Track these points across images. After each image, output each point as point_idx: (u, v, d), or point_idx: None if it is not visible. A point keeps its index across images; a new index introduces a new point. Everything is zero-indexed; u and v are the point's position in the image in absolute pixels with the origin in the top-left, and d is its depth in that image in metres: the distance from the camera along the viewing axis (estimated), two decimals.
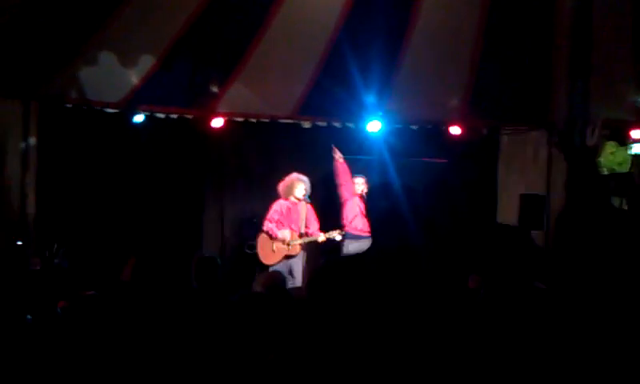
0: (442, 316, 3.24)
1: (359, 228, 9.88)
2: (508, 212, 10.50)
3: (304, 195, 9.86)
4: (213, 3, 8.96)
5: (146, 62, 9.48)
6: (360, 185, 10.24)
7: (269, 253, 9.73)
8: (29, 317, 6.54)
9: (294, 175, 9.95)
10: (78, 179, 9.85)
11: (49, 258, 8.49)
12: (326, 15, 9.49)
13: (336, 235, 9.84)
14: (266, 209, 10.10)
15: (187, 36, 9.26)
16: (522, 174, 11.01)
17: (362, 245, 9.54)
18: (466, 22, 9.56)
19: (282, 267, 9.60)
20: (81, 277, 7.76)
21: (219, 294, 5.71)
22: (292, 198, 9.88)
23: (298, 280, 9.52)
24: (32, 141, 9.72)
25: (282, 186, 9.89)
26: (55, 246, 8.65)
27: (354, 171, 10.42)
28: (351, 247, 9.79)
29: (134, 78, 9.68)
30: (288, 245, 9.70)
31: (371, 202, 4.72)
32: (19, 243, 8.94)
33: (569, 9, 6.99)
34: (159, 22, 9.09)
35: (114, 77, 9.51)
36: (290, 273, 9.56)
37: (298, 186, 9.83)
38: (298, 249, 9.77)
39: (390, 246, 3.41)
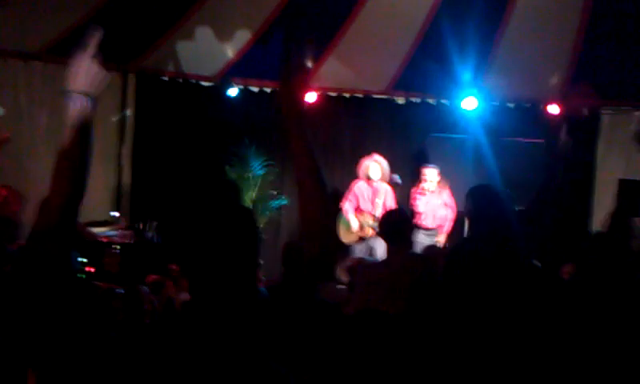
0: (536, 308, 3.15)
1: (430, 225, 9.66)
2: (605, 196, 10.15)
3: (383, 175, 9.61)
4: None
5: (242, 37, 9.49)
6: (431, 176, 9.68)
7: (345, 231, 9.63)
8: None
9: (372, 156, 9.68)
10: (172, 153, 9.94)
11: (141, 232, 8.59)
12: None
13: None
14: None
15: (283, 11, 9.22)
16: (622, 156, 10.62)
17: (434, 239, 9.55)
18: None
19: (362, 248, 9.48)
20: (171, 252, 7.82)
21: (304, 283, 5.60)
22: (369, 179, 9.63)
23: None
24: (129, 113, 9.88)
25: (360, 167, 9.73)
26: (148, 219, 8.74)
27: (448, 150, 10.20)
28: (426, 240, 9.48)
29: (229, 51, 9.74)
30: (361, 226, 9.55)
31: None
32: (116, 215, 9.10)
33: None
34: None
35: (210, 50, 9.58)
36: (371, 254, 9.41)
37: (372, 167, 9.56)
38: (371, 232, 9.57)
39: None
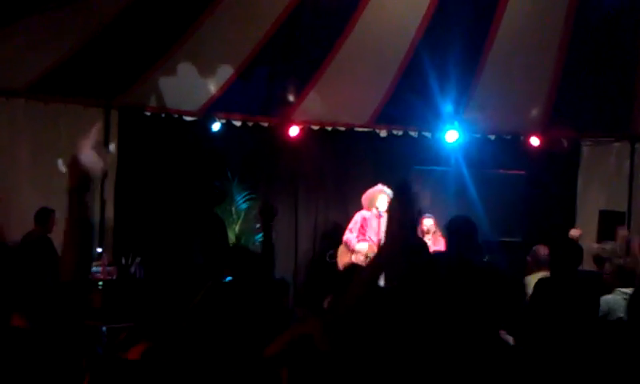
0: None
1: None
2: (587, 226, 10.22)
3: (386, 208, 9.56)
4: (291, 14, 8.97)
5: (224, 72, 9.54)
6: (429, 226, 9.45)
7: (348, 263, 9.57)
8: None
9: (378, 187, 9.62)
10: (155, 187, 9.91)
11: (125, 267, 8.54)
12: (405, 25, 9.42)
13: None
14: (341, 217, 10.04)
15: (265, 46, 9.29)
16: (603, 188, 10.72)
17: None
18: (549, 32, 9.37)
19: None
20: (156, 288, 7.75)
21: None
22: (374, 210, 9.59)
23: None
24: (112, 147, 9.87)
25: (364, 197, 9.69)
26: (131, 255, 8.69)
27: (430, 182, 10.23)
28: None
29: (212, 86, 9.78)
30: (366, 257, 9.49)
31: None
32: (99, 250, 9.06)
33: None
34: (237, 32, 9.15)
35: (193, 86, 9.61)
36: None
37: (380, 197, 9.51)
38: None
39: None
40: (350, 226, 9.69)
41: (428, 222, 9.49)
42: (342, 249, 9.70)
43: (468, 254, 5.14)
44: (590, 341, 4.40)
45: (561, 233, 9.56)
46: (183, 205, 9.88)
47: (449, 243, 5.95)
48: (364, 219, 9.64)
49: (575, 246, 6.04)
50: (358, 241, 9.56)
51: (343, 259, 9.61)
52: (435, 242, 9.41)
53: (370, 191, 9.62)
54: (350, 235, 9.61)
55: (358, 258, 9.48)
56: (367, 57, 9.67)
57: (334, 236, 10.24)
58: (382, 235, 9.36)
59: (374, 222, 9.57)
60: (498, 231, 9.48)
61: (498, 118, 10.41)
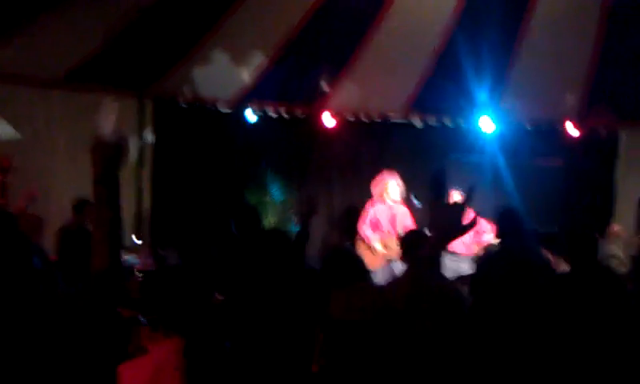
0: None
1: (459, 250, 9.50)
2: (626, 216, 10.06)
3: (401, 195, 9.51)
4: (325, 1, 8.94)
5: (259, 61, 9.53)
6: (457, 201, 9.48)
7: (369, 257, 9.44)
8: None
9: (385, 176, 9.49)
10: (191, 177, 9.94)
11: (162, 258, 8.55)
12: (440, 11, 9.35)
13: None
14: None
15: (300, 35, 9.26)
16: None
17: (461, 264, 9.28)
18: (586, 17, 9.23)
19: (384, 272, 9.35)
20: (193, 278, 7.76)
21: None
22: (388, 200, 9.49)
23: None
24: (148, 136, 9.91)
25: (374, 188, 9.56)
26: (168, 245, 8.71)
27: (466, 172, 10.15)
28: (452, 265, 9.33)
29: (246, 76, 9.77)
30: (385, 250, 9.39)
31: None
32: (139, 242, 9.10)
33: None
34: (272, 20, 9.14)
35: (227, 75, 9.61)
36: (393, 276, 9.28)
37: (392, 186, 9.40)
38: (397, 251, 9.40)
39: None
40: (365, 219, 9.57)
41: (456, 197, 9.48)
42: (360, 245, 9.52)
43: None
44: (617, 334, 4.30)
45: (600, 224, 9.46)
46: (219, 195, 9.93)
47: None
48: (375, 213, 9.52)
49: (589, 236, 5.84)
50: (373, 234, 9.44)
51: (364, 254, 9.47)
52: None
53: (379, 180, 9.49)
54: (367, 231, 9.47)
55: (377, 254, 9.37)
56: (401, 45, 9.60)
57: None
58: (398, 225, 9.33)
59: (385, 213, 9.48)
60: (534, 222, 9.38)
61: (535, 106, 10.26)
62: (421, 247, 5.29)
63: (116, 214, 2.86)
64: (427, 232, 8.40)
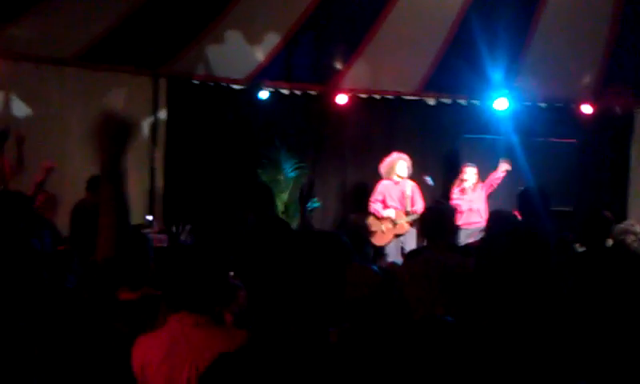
0: None
1: (470, 220, 9.56)
2: None
3: (408, 173, 9.61)
4: None
5: (272, 39, 9.52)
6: (471, 175, 9.70)
7: (379, 233, 9.56)
8: None
9: (395, 154, 9.67)
10: (204, 155, 9.95)
11: (175, 235, 8.59)
12: None
13: None
14: None
15: (313, 13, 9.22)
16: None
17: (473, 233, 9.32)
18: None
19: (393, 246, 9.48)
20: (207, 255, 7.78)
21: None
22: (395, 177, 9.61)
23: None
24: (161, 115, 9.93)
25: (383, 167, 9.68)
26: (181, 222, 8.74)
27: (480, 151, 10.14)
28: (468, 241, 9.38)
29: (259, 54, 9.76)
30: (394, 223, 9.52)
31: None
32: (150, 218, 9.14)
33: None
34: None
35: (240, 53, 9.60)
36: (403, 251, 9.38)
37: (400, 164, 9.56)
38: (406, 227, 9.56)
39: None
40: (373, 197, 9.69)
41: (471, 171, 9.54)
42: (371, 221, 9.59)
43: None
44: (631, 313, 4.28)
45: (613, 202, 9.44)
46: (232, 173, 9.94)
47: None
48: (385, 188, 9.64)
49: (601, 217, 5.80)
50: (384, 209, 9.57)
51: (374, 230, 9.56)
52: (475, 190, 9.67)
53: (389, 159, 9.64)
54: (375, 205, 9.62)
55: (387, 225, 9.49)
56: (415, 24, 9.55)
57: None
58: (404, 201, 9.49)
59: (394, 191, 9.57)
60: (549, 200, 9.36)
61: (549, 85, 10.20)
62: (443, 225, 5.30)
63: (122, 207, 2.85)
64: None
